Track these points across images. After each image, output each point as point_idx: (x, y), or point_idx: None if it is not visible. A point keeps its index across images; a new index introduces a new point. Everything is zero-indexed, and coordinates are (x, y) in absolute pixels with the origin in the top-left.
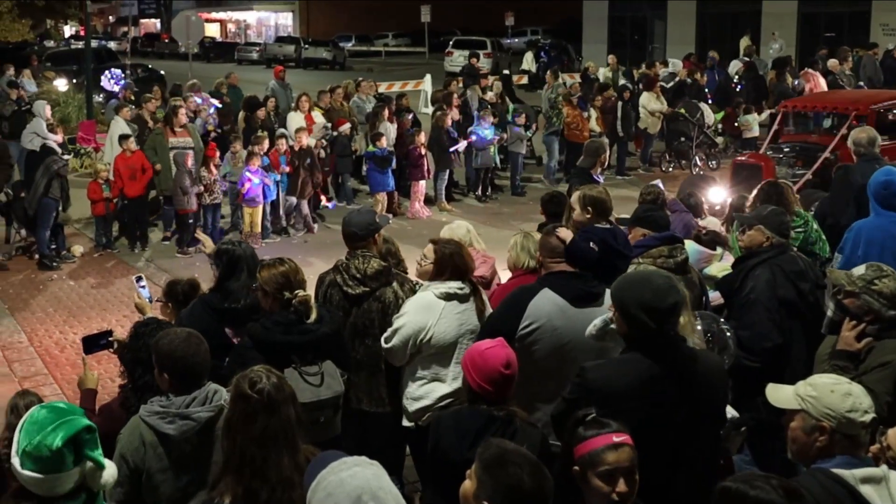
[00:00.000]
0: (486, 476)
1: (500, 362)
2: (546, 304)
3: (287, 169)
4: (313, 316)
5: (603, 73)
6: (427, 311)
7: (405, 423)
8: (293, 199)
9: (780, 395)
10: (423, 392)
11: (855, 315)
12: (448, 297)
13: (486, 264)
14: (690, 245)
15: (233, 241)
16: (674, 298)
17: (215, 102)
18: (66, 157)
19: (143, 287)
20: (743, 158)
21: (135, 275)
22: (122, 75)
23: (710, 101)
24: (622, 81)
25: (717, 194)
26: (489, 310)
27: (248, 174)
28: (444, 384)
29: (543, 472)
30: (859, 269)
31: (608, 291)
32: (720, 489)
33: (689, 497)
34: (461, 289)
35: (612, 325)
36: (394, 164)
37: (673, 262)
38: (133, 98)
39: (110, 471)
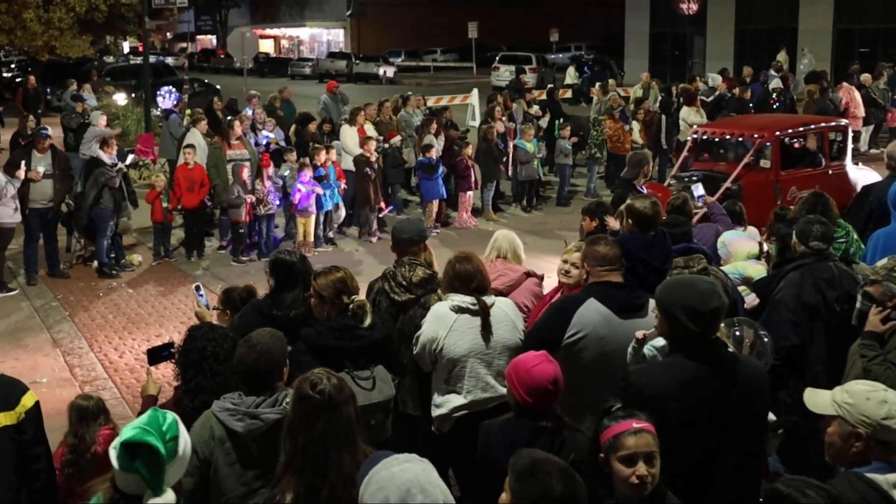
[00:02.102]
0: (519, 485)
1: (547, 379)
2: (591, 314)
3: (342, 185)
4: (368, 321)
5: (634, 90)
6: (439, 322)
7: (432, 428)
8: (341, 213)
9: (817, 400)
10: (442, 401)
11: (879, 301)
12: (460, 309)
13: (504, 276)
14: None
15: (291, 253)
16: (716, 303)
17: (268, 134)
18: (125, 163)
19: (201, 296)
20: (643, 187)
21: (193, 284)
22: (172, 90)
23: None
24: (660, 97)
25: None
26: (511, 322)
27: (298, 184)
28: (459, 395)
29: (574, 478)
30: (882, 261)
31: (651, 301)
32: (771, 492)
33: (729, 499)
34: (473, 304)
35: (644, 351)
36: (441, 171)
37: (689, 272)
38: (202, 113)
39: (157, 501)
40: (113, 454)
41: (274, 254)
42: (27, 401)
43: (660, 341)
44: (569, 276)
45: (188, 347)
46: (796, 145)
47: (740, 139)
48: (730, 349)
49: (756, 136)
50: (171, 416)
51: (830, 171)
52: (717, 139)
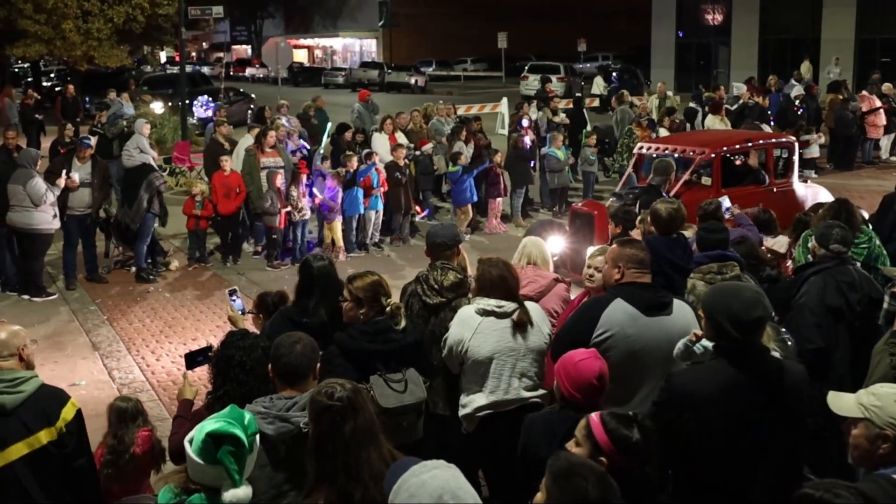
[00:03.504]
0: (554, 487)
1: (592, 374)
2: (618, 314)
3: (381, 189)
4: (402, 324)
5: (651, 100)
6: (464, 325)
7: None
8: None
9: (842, 403)
10: (467, 401)
11: None
12: (485, 312)
13: (535, 283)
14: None
15: (318, 257)
16: (759, 312)
17: (302, 142)
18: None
19: (235, 300)
20: (579, 206)
21: (228, 289)
22: (210, 100)
23: (772, 123)
24: (691, 104)
25: (556, 243)
26: (537, 326)
27: (314, 190)
28: (482, 395)
29: (609, 484)
30: None
31: (676, 301)
32: (802, 496)
33: (770, 501)
34: (499, 307)
35: (695, 347)
36: (473, 173)
37: (721, 278)
38: (225, 119)
39: (237, 492)
40: (191, 447)
41: (305, 257)
42: (67, 413)
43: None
44: (592, 280)
45: (219, 354)
46: (738, 162)
47: (682, 155)
48: (776, 353)
49: (697, 151)
50: (248, 413)
51: (775, 189)
52: (657, 155)
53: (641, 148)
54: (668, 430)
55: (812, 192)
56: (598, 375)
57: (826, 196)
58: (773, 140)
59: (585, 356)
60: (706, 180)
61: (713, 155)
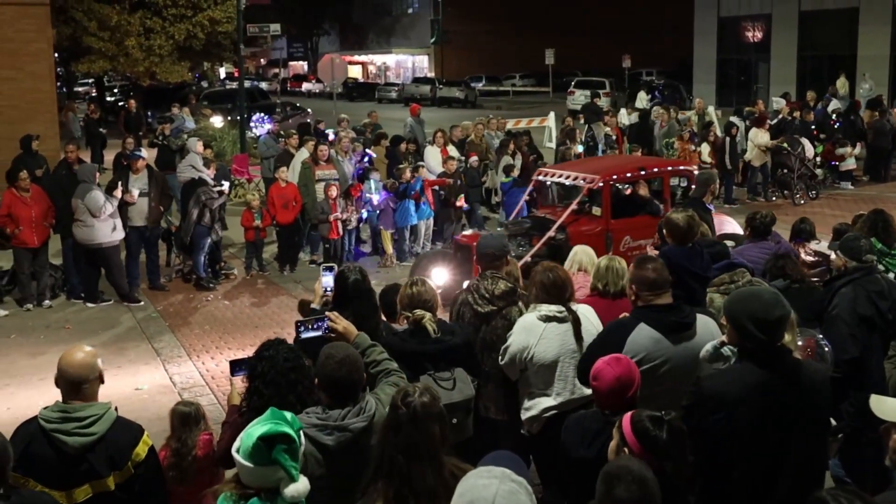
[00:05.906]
0: (599, 486)
1: (612, 377)
2: (643, 340)
3: (430, 196)
4: (432, 334)
5: (689, 115)
6: (528, 332)
7: (522, 430)
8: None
9: (884, 406)
10: (532, 404)
11: None
12: (548, 319)
13: (585, 287)
14: None
15: (352, 269)
16: (780, 312)
17: (369, 152)
18: (221, 186)
19: (324, 275)
20: (460, 236)
21: (327, 264)
22: (264, 116)
23: (820, 137)
24: (731, 118)
25: (440, 274)
26: (594, 327)
27: (373, 197)
28: (549, 398)
29: (646, 484)
30: None
31: (699, 318)
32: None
33: (794, 498)
34: (560, 312)
35: (723, 350)
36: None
37: (735, 286)
38: (281, 133)
39: (298, 486)
40: (241, 454)
41: (340, 269)
42: (139, 452)
43: None
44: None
45: (251, 365)
46: (628, 191)
47: (574, 182)
48: (796, 355)
49: (587, 180)
50: (288, 412)
51: None
52: (549, 183)
53: (539, 174)
54: (697, 431)
55: (717, 222)
56: (617, 377)
57: (732, 226)
58: (670, 168)
59: (606, 363)
60: (597, 210)
61: (601, 183)
